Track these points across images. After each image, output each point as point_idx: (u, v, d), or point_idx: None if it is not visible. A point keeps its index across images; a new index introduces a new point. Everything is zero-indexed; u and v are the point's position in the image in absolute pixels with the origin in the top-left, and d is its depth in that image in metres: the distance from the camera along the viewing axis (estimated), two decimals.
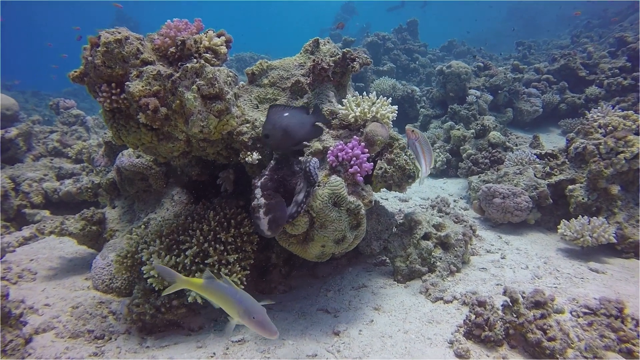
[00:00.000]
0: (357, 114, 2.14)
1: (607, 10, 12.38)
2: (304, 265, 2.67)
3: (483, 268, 2.56)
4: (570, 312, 1.98)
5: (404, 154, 2.38)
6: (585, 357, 1.67)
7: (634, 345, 1.66)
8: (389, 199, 4.12)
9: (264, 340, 1.94)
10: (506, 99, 6.24)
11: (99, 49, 1.77)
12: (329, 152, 1.98)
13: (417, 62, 9.45)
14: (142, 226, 2.51)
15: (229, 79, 2.00)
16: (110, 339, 2.08)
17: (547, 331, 1.72)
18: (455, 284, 2.37)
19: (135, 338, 2.08)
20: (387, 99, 2.24)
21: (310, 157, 1.90)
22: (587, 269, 2.52)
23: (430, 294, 2.26)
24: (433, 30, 19.31)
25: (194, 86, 1.81)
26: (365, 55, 2.44)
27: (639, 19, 9.29)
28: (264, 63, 2.41)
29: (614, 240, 2.65)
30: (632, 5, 11.21)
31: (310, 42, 2.49)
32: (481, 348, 1.81)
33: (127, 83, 1.80)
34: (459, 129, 5.05)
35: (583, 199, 3.00)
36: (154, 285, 1.96)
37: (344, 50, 2.38)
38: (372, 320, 2.06)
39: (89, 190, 3.55)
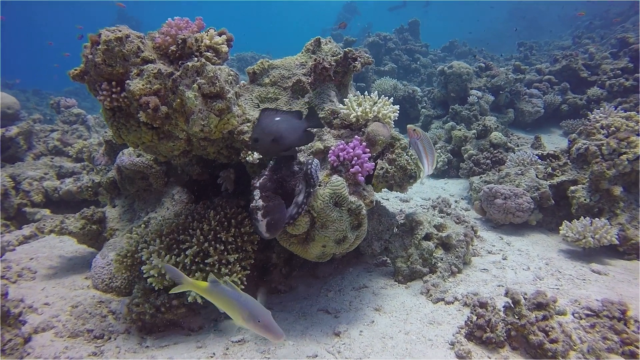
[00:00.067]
0: (359, 113, 2.13)
1: (609, 11, 12.36)
2: (305, 266, 2.66)
3: (484, 269, 2.55)
4: (573, 314, 1.97)
5: (405, 154, 2.37)
6: None
7: (637, 347, 1.64)
8: (390, 199, 4.11)
9: (264, 341, 1.93)
10: (507, 100, 6.23)
11: (100, 47, 1.76)
12: (330, 151, 1.97)
13: (418, 63, 9.44)
14: (143, 225, 2.50)
15: (230, 77, 1.99)
16: (110, 338, 2.07)
17: (549, 333, 1.71)
18: (457, 285, 2.35)
19: (135, 338, 2.07)
20: (389, 98, 2.23)
21: (311, 158, 1.88)
22: (589, 271, 2.50)
23: (431, 295, 2.25)
24: (434, 30, 19.29)
25: (195, 85, 1.80)
26: (367, 55, 2.42)
27: (639, 20, 9.28)
28: (265, 62, 2.40)
29: (616, 242, 2.64)
30: (634, 6, 11.19)
31: (312, 41, 2.48)
32: (482, 349, 1.79)
33: (128, 81, 1.80)
34: (460, 130, 5.04)
35: (585, 200, 2.99)
36: (153, 285, 1.95)
37: (346, 49, 2.37)
38: (373, 321, 2.05)
39: (90, 189, 3.55)
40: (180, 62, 1.86)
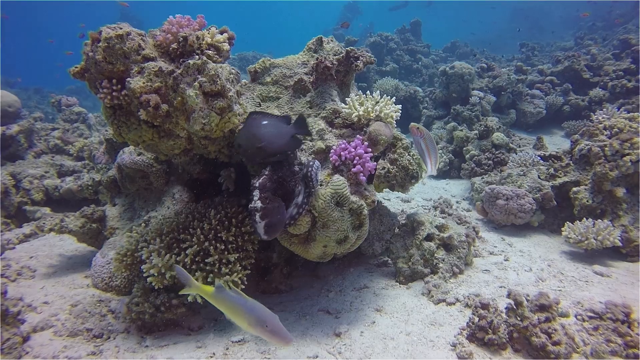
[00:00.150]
0: (361, 113, 2.11)
1: (611, 12, 12.33)
2: (305, 266, 2.65)
3: (486, 270, 2.53)
4: (575, 316, 1.95)
5: (407, 154, 2.36)
6: None
7: None
8: (391, 200, 4.09)
9: (264, 341, 1.91)
10: (509, 101, 6.21)
11: (100, 44, 1.75)
12: (332, 151, 1.96)
13: (419, 63, 9.43)
14: (143, 224, 2.49)
15: (232, 76, 1.98)
16: (109, 337, 2.06)
17: (552, 335, 1.69)
18: (458, 286, 2.34)
19: (134, 337, 2.05)
20: (391, 98, 2.22)
21: (312, 160, 1.85)
22: (591, 272, 2.49)
23: (432, 296, 2.23)
24: (436, 31, 19.27)
25: (196, 83, 1.78)
26: (369, 54, 2.41)
27: (639, 21, 9.26)
28: (266, 61, 2.39)
29: (619, 244, 2.62)
30: (637, 7, 11.16)
31: (314, 40, 2.47)
32: (484, 351, 1.78)
33: (128, 79, 1.78)
34: (462, 130, 5.02)
35: (588, 201, 2.97)
36: (153, 284, 1.93)
37: (348, 48, 2.35)
38: (374, 322, 2.04)
39: (90, 187, 3.54)
40: (181, 60, 1.85)
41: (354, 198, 1.89)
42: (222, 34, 1.99)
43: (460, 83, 6.12)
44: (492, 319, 1.80)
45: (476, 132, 4.81)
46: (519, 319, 1.79)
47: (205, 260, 1.94)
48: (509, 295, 1.85)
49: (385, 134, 2.07)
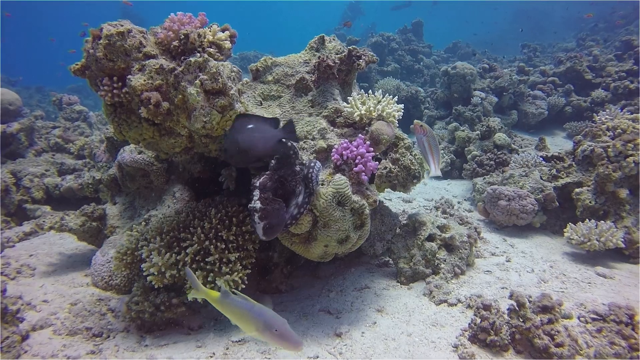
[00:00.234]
0: (363, 112, 2.10)
1: (613, 13, 12.30)
2: (306, 265, 2.63)
3: (488, 271, 2.52)
4: (578, 318, 1.94)
5: (409, 154, 2.35)
6: None
7: None
8: (392, 200, 4.08)
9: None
10: (511, 101, 6.19)
11: (101, 41, 1.74)
12: (334, 150, 1.95)
13: (421, 63, 9.41)
14: (143, 223, 2.48)
15: (233, 74, 1.97)
16: (109, 336, 2.05)
17: (555, 337, 1.68)
18: (460, 287, 2.32)
19: (134, 336, 2.04)
20: (393, 97, 2.21)
21: (314, 161, 1.83)
22: (594, 274, 2.47)
23: (434, 297, 2.22)
24: (438, 31, 19.25)
25: (197, 81, 1.77)
26: (371, 53, 2.39)
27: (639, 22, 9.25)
28: (268, 59, 2.38)
29: (622, 245, 2.61)
30: (638, 8, 11.13)
31: (316, 39, 2.46)
32: (486, 352, 1.77)
33: (129, 77, 1.77)
34: (463, 131, 5.01)
35: (590, 202, 2.96)
36: (153, 283, 1.92)
37: (350, 47, 2.34)
38: (375, 322, 2.02)
39: (90, 186, 3.53)
40: (182, 57, 1.84)
41: (355, 197, 1.87)
42: (223, 32, 1.97)
43: (462, 83, 6.10)
44: (494, 320, 1.79)
45: (478, 132, 4.79)
46: (521, 320, 1.77)
47: (206, 260, 1.93)
48: (511, 297, 1.84)
49: (387, 134, 2.06)
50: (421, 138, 2.04)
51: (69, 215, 2.82)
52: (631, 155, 2.84)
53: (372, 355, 1.78)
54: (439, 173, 2.08)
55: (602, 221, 2.74)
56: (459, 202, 3.98)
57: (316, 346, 1.86)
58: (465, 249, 2.50)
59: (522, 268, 2.55)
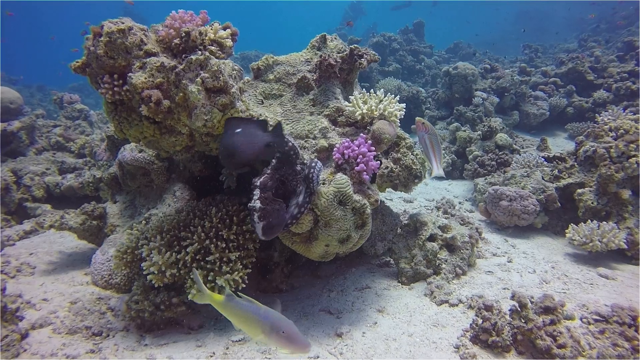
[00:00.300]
0: (364, 111, 2.09)
1: (615, 14, 12.28)
2: (307, 265, 2.63)
3: (489, 271, 2.51)
4: (581, 319, 1.92)
5: (410, 154, 2.34)
6: None
7: None
8: (393, 200, 4.07)
9: None
10: (513, 102, 6.18)
11: (102, 38, 1.73)
12: (335, 149, 1.94)
13: (422, 64, 9.40)
14: (143, 222, 2.47)
15: (234, 72, 1.96)
16: (108, 335, 2.04)
17: (557, 338, 1.67)
18: (461, 287, 2.31)
19: (134, 335, 2.03)
20: (395, 96, 2.20)
21: (315, 161, 1.81)
22: (596, 275, 2.46)
23: (435, 297, 2.21)
24: (439, 31, 19.26)
25: (198, 79, 1.76)
26: (373, 52, 2.39)
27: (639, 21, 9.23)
28: (269, 58, 2.37)
29: (625, 246, 2.59)
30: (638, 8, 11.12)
31: (317, 37, 2.45)
32: (488, 353, 1.75)
33: (130, 74, 1.76)
34: (465, 131, 5.00)
35: (592, 203, 2.94)
36: (153, 282, 1.91)
37: (352, 46, 2.33)
38: (376, 323, 2.01)
39: (91, 184, 3.52)
40: (183, 55, 1.83)
41: (356, 197, 1.86)
42: (225, 30, 1.97)
43: (463, 84, 6.09)
44: (496, 320, 1.78)
45: (479, 132, 4.78)
46: (523, 321, 1.76)
47: (206, 259, 1.92)
48: (513, 297, 1.82)
49: (389, 133, 2.05)
50: (423, 135, 2.03)
51: (69, 213, 2.82)
52: (634, 155, 2.82)
53: (373, 355, 1.77)
54: (442, 172, 2.06)
55: (605, 222, 2.72)
56: (460, 203, 3.97)
57: (317, 346, 1.85)
58: (467, 250, 2.49)
59: (524, 269, 2.54)
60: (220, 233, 2.00)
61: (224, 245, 1.96)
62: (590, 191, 3.01)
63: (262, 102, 2.28)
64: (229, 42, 1.95)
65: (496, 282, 2.37)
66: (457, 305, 2.14)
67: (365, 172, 1.88)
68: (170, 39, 1.86)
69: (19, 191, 3.87)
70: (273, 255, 2.41)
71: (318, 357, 1.77)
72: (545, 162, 3.57)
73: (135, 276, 2.29)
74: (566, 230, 2.80)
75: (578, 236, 2.68)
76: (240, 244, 2.03)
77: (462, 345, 1.77)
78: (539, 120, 6.13)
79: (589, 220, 2.79)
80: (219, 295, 1.42)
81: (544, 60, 9.34)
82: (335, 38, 2.50)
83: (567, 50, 10.15)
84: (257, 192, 1.76)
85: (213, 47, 1.88)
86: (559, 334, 1.67)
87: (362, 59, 2.30)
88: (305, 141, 2.07)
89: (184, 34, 1.82)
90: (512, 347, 1.77)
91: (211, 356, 1.81)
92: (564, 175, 3.29)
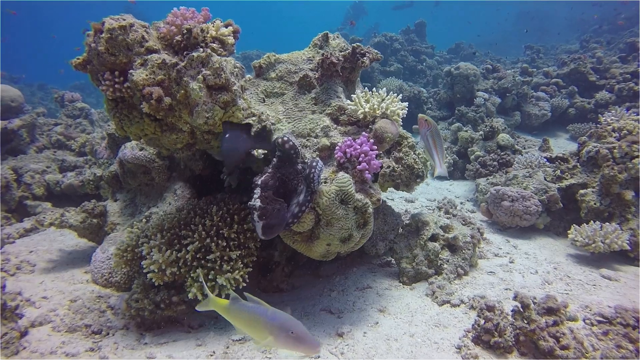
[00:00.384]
0: (367, 110, 2.08)
1: (616, 15, 12.26)
2: (307, 264, 2.61)
3: (491, 272, 2.49)
4: (584, 320, 1.91)
5: (413, 153, 2.32)
6: None
7: None
8: (394, 200, 4.05)
9: None
10: (514, 102, 6.16)
11: (103, 35, 1.72)
12: (337, 148, 1.92)
13: (424, 64, 9.39)
14: (144, 220, 2.46)
15: (236, 70, 1.95)
16: (108, 334, 2.03)
17: (560, 339, 1.65)
18: (463, 287, 2.30)
19: (133, 334, 2.02)
20: (397, 95, 2.18)
21: (316, 160, 1.80)
22: (599, 276, 2.44)
23: (437, 297, 2.19)
24: (440, 32, 19.23)
25: (200, 76, 1.75)
26: (375, 51, 2.38)
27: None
28: (271, 56, 2.36)
29: (628, 247, 2.57)
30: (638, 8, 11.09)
31: (320, 36, 2.44)
32: (490, 354, 1.74)
33: (131, 71, 1.75)
34: (466, 131, 4.98)
35: (595, 204, 2.93)
36: (153, 281, 1.90)
37: (354, 45, 2.32)
38: (377, 323, 2.00)
39: (91, 182, 3.51)
40: (185, 52, 1.82)
41: (358, 196, 1.85)
42: (226, 27, 1.96)
43: (465, 84, 6.08)
44: (498, 321, 1.76)
45: (481, 133, 4.77)
46: (525, 321, 1.74)
47: (207, 257, 1.91)
48: (515, 298, 1.81)
49: (391, 132, 2.03)
50: (425, 133, 2.01)
51: (70, 211, 2.81)
52: (637, 156, 2.81)
53: (374, 355, 1.75)
54: (444, 169, 2.04)
55: (607, 223, 2.71)
56: (461, 203, 3.95)
57: None
58: (469, 250, 2.47)
59: (526, 269, 2.53)
60: (221, 231, 1.99)
61: (224, 243, 1.95)
62: (592, 192, 3.00)
63: (264, 100, 2.27)
64: (230, 40, 1.94)
65: (498, 283, 2.35)
66: (458, 305, 2.13)
67: (367, 171, 1.87)
68: (171, 36, 1.85)
69: (19, 189, 3.87)
70: (274, 254, 2.40)
71: (319, 357, 1.76)
72: (547, 163, 3.55)
73: (135, 274, 2.28)
74: (568, 231, 2.78)
75: (580, 237, 2.66)
76: (241, 242, 2.02)
77: (464, 346, 1.76)
78: (541, 121, 6.11)
79: (592, 221, 2.77)
80: (224, 300, 1.38)
81: (546, 61, 9.32)
82: (338, 36, 2.49)
83: (568, 51, 10.14)
84: (257, 190, 1.75)
85: (215, 45, 1.87)
86: (562, 335, 1.66)
87: (365, 58, 2.28)
88: (307, 140, 2.06)
89: (185, 31, 1.81)
90: (515, 348, 1.75)
91: (211, 355, 1.80)
92: (567, 175, 3.28)
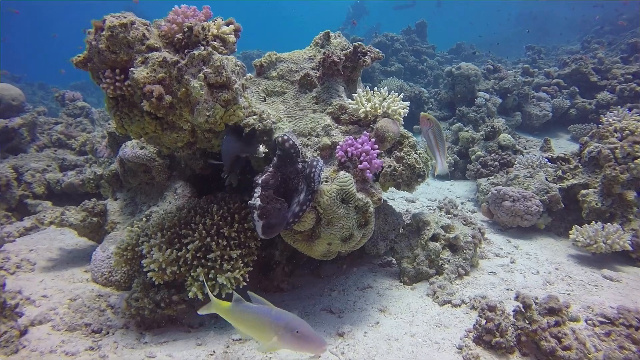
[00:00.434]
0: (368, 109, 2.07)
1: (618, 16, 12.24)
2: (308, 264, 2.60)
3: (492, 272, 2.48)
4: (586, 321, 1.90)
5: (414, 152, 2.32)
6: None
7: None
8: (395, 199, 4.04)
9: None
10: (515, 103, 6.15)
11: (104, 33, 1.71)
12: (338, 147, 1.92)
13: (425, 64, 9.38)
14: (144, 219, 2.46)
15: (237, 68, 1.94)
16: (108, 333, 2.02)
17: (562, 339, 1.64)
18: (464, 288, 2.29)
19: (133, 333, 2.02)
20: (399, 94, 2.18)
21: (317, 159, 1.79)
22: (600, 277, 2.43)
23: (437, 297, 2.18)
24: (442, 32, 19.23)
25: (201, 74, 1.75)
26: (377, 50, 2.37)
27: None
28: (272, 55, 2.35)
29: (630, 248, 2.56)
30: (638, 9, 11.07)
31: (321, 35, 2.43)
32: (491, 354, 1.73)
33: (132, 69, 1.75)
34: (467, 131, 4.97)
35: (597, 204, 2.92)
36: (154, 280, 1.90)
37: (355, 44, 2.32)
38: (378, 322, 1.99)
39: (92, 181, 3.51)
40: (186, 50, 1.81)
41: (360, 195, 1.84)
42: (228, 26, 1.95)
43: (466, 84, 6.07)
44: (500, 321, 1.75)
45: (482, 133, 4.76)
46: (527, 322, 1.74)
47: (207, 256, 1.90)
48: (517, 298, 1.80)
49: (392, 131, 2.03)
50: (427, 130, 2.00)
51: (70, 210, 2.80)
52: (639, 157, 2.79)
53: (374, 355, 1.74)
54: (446, 167, 2.03)
55: (609, 224, 2.70)
56: (462, 203, 3.94)
57: None
58: (470, 250, 2.46)
59: (527, 270, 2.52)
60: (221, 231, 1.98)
61: (225, 242, 1.95)
62: (594, 192, 2.99)
63: (265, 99, 2.26)
64: (232, 38, 1.94)
65: (499, 283, 2.34)
66: (459, 305, 2.12)
67: (368, 170, 1.86)
68: (172, 34, 1.84)
69: (19, 188, 3.86)
70: (274, 253, 2.39)
71: (319, 356, 1.75)
72: (548, 163, 3.54)
73: (135, 273, 2.27)
74: (570, 232, 2.77)
75: (582, 237, 2.65)
76: (242, 241, 2.01)
77: (465, 346, 1.75)
78: (542, 122, 6.10)
79: (593, 221, 2.76)
80: (226, 302, 1.36)
81: (547, 62, 9.31)
82: (339, 35, 2.48)
83: (570, 51, 10.12)
84: (258, 189, 1.75)
85: (216, 43, 1.86)
86: (563, 336, 1.65)
87: (366, 57, 2.28)
88: (307, 139, 2.05)
89: (186, 29, 1.81)
90: (516, 348, 1.74)
91: (211, 354, 1.79)
92: (568, 176, 3.27)
